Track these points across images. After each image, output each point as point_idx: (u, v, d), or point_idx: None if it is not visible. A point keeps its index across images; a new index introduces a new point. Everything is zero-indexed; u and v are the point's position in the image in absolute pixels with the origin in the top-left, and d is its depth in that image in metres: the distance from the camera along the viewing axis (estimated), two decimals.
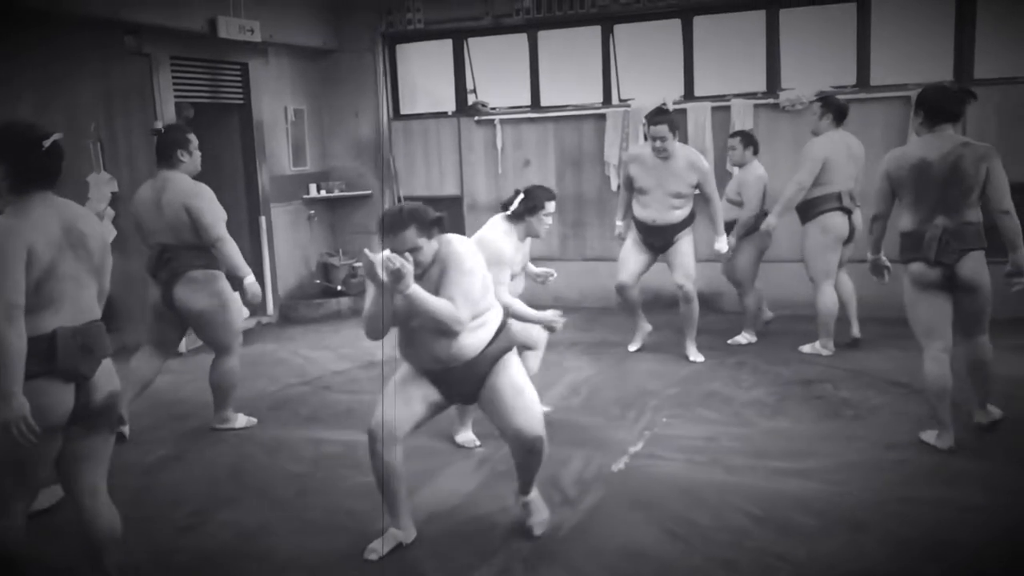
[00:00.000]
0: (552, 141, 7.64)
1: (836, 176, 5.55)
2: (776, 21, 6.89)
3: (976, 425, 4.18)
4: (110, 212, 6.47)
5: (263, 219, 7.38)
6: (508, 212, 4.26)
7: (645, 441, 4.34)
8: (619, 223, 5.93)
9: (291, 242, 7.79)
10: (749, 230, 5.88)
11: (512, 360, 3.29)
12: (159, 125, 6.43)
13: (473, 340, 3.17)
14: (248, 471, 4.18)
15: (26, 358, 2.45)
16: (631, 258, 5.76)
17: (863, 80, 6.73)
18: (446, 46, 7.93)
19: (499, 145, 7.75)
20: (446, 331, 3.09)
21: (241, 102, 7.24)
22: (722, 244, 5.63)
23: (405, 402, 3.22)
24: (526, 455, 3.26)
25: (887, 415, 4.56)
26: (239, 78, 7.18)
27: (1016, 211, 3.86)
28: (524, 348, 4.44)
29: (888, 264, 4.24)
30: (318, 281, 7.97)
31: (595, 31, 7.41)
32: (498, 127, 7.72)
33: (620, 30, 7.37)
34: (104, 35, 6.15)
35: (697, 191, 5.58)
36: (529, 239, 4.42)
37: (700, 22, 7.10)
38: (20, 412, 2.42)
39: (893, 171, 3.95)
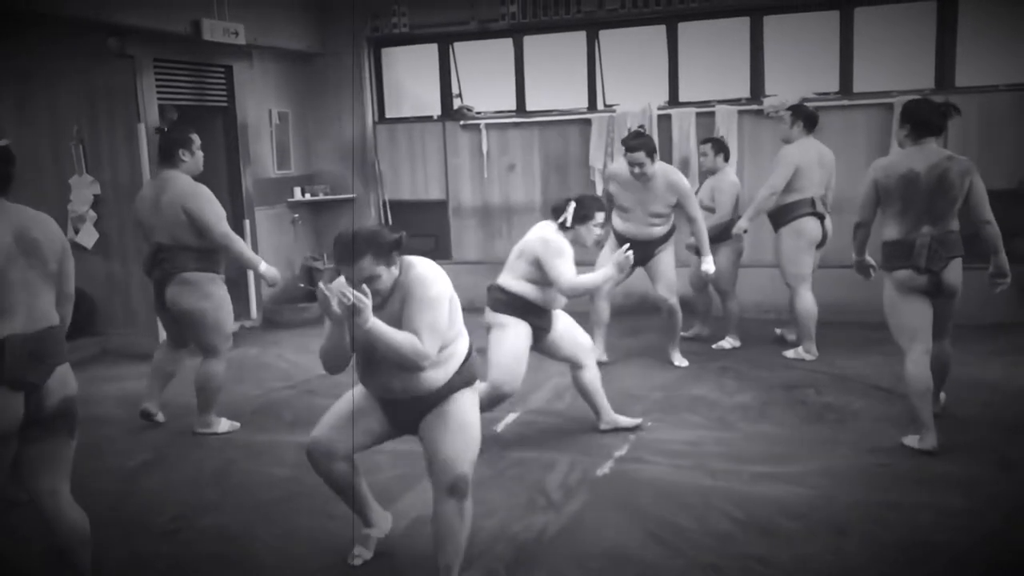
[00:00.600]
0: (537, 146, 7.65)
1: (808, 182, 5.65)
2: (760, 28, 6.94)
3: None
4: (92, 215, 6.42)
5: (247, 222, 7.34)
6: (559, 220, 4.21)
7: (630, 445, 4.35)
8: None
9: (275, 245, 7.76)
10: (723, 236, 5.92)
11: (467, 395, 3.01)
12: (160, 123, 6.44)
13: (438, 374, 2.92)
14: (231, 476, 4.16)
15: None
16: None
17: (846, 87, 6.79)
18: (431, 50, 7.93)
19: (484, 150, 7.76)
20: (409, 366, 2.86)
21: (225, 105, 7.21)
22: (708, 265, 5.50)
23: (346, 426, 3.01)
24: (447, 499, 2.88)
25: (869, 420, 4.59)
26: (223, 81, 7.15)
27: (1000, 215, 4.02)
28: (576, 367, 4.45)
29: (873, 263, 4.36)
30: (302, 285, 7.94)
31: (580, 36, 7.43)
32: (483, 131, 7.73)
33: (605, 35, 7.39)
34: (87, 37, 6.11)
35: (677, 207, 5.52)
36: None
37: (685, 28, 7.14)
38: None
39: (882, 180, 4.05)
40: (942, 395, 4.53)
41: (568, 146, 7.54)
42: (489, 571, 3.15)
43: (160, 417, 4.88)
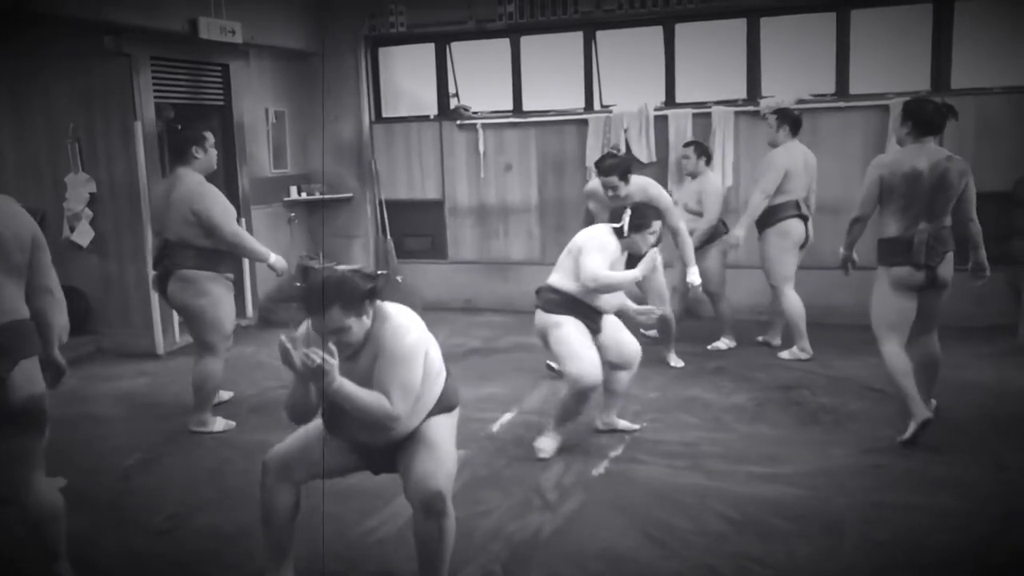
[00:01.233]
0: (534, 146, 7.65)
1: (794, 185, 5.73)
2: (757, 29, 6.94)
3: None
4: (88, 213, 6.41)
5: (243, 221, 7.32)
6: (616, 226, 4.20)
7: (625, 446, 4.35)
8: None
9: (271, 244, 7.61)
10: (710, 239, 5.93)
11: (442, 418, 2.87)
12: (157, 122, 6.43)
13: (410, 422, 2.77)
14: (226, 475, 4.16)
15: None
16: None
17: (842, 89, 6.80)
18: (428, 50, 7.93)
19: (481, 149, 7.75)
20: (379, 427, 2.70)
21: (222, 103, 7.20)
22: (694, 276, 5.32)
23: (314, 455, 2.83)
24: (424, 520, 2.73)
25: (864, 421, 4.60)
26: (220, 79, 7.14)
27: (994, 217, 4.10)
28: (617, 367, 4.38)
29: (856, 260, 4.53)
30: (298, 284, 7.90)
31: (577, 37, 7.43)
32: (480, 131, 7.73)
33: (602, 36, 7.40)
34: (83, 35, 6.09)
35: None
36: (627, 253, 4.32)
37: (682, 29, 7.14)
38: None
39: (887, 177, 4.15)
40: (932, 401, 4.52)
41: (565, 146, 7.54)
42: (485, 571, 3.16)
43: (226, 395, 5.20)
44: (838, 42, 6.75)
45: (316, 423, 2.89)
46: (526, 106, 7.70)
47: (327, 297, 2.59)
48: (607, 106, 7.41)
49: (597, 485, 3.90)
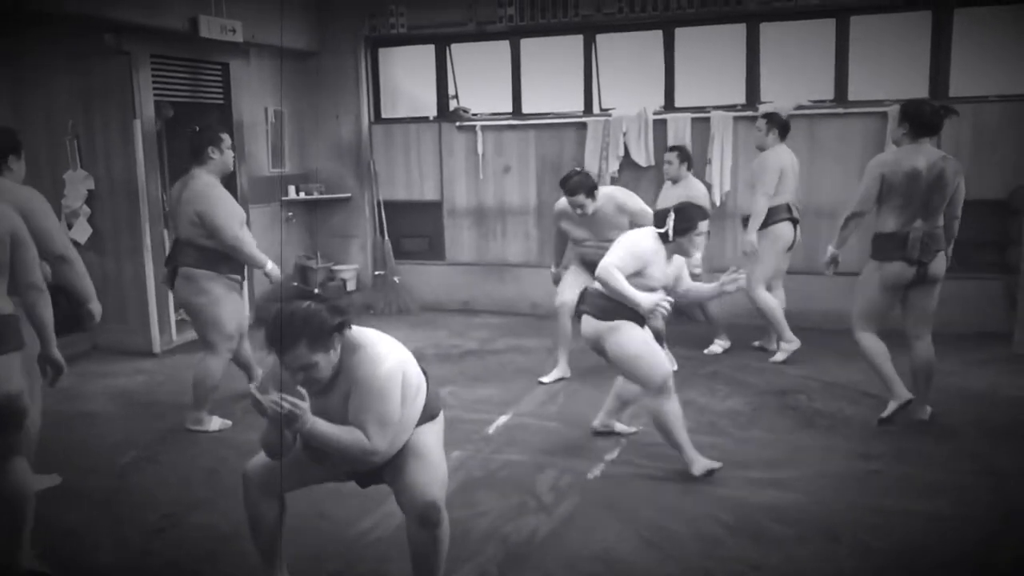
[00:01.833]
0: (533, 148, 7.66)
1: (785, 187, 5.81)
2: (756, 35, 6.96)
3: (918, 421, 4.55)
4: (86, 210, 6.40)
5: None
6: (661, 231, 3.93)
7: (621, 449, 4.36)
8: (554, 270, 5.79)
9: (268, 244, 7.73)
10: None
11: (426, 428, 2.81)
12: (156, 120, 6.43)
13: (390, 451, 2.67)
14: (222, 474, 4.15)
15: None
16: (575, 282, 5.44)
17: (841, 95, 6.82)
18: (428, 51, 7.94)
19: (480, 151, 7.76)
20: (357, 463, 2.65)
21: (221, 102, 7.19)
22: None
23: (296, 467, 2.79)
24: (419, 529, 2.70)
25: (860, 426, 4.61)
26: (220, 78, 7.14)
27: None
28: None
29: (839, 260, 4.64)
30: (295, 284, 7.93)
31: (577, 40, 7.44)
32: (479, 133, 7.73)
33: (602, 40, 7.41)
34: (83, 32, 6.08)
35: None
36: (680, 258, 4.09)
37: (682, 34, 7.16)
38: None
39: (888, 175, 4.29)
40: (928, 408, 4.60)
41: (563, 149, 7.55)
42: (481, 572, 3.16)
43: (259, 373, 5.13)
44: (837, 48, 6.77)
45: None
46: (525, 108, 7.71)
47: (293, 334, 2.47)
48: (606, 109, 7.42)
49: (592, 488, 3.90)
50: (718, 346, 6.17)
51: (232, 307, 4.72)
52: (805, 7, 6.74)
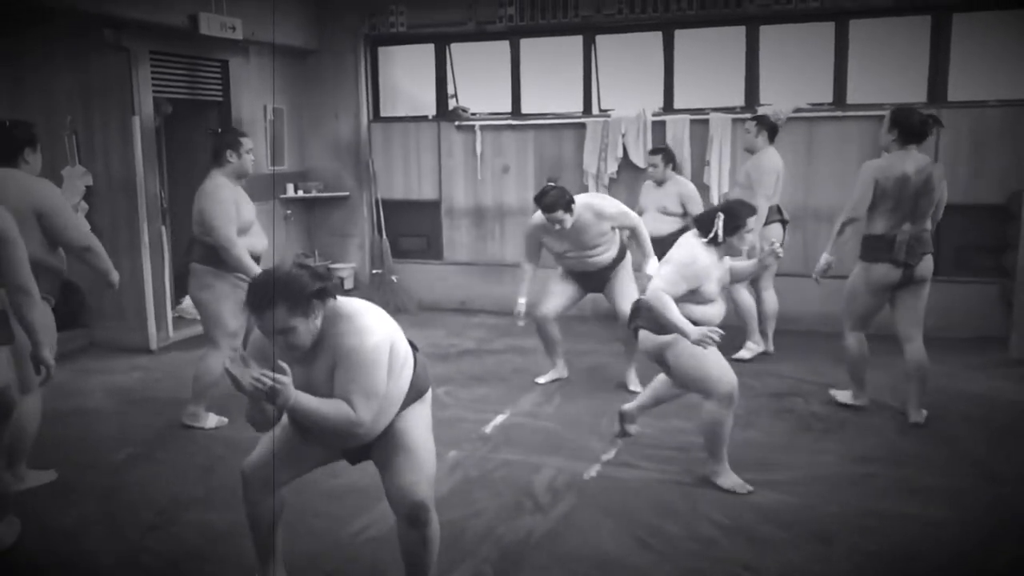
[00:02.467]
0: (532, 149, 7.66)
1: (778, 189, 5.93)
2: (756, 37, 6.97)
3: (913, 424, 4.61)
4: (84, 206, 6.39)
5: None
6: (708, 237, 3.79)
7: (617, 449, 4.36)
8: (521, 301, 5.39)
9: (267, 242, 7.72)
10: None
11: (416, 410, 2.79)
12: (155, 117, 6.42)
13: (376, 425, 2.65)
14: (218, 471, 4.15)
15: None
16: (557, 290, 5.43)
17: (839, 99, 6.82)
18: (428, 50, 7.93)
19: (479, 151, 7.76)
20: (343, 436, 2.61)
21: (220, 99, 7.20)
22: (652, 267, 5.07)
23: (289, 456, 2.80)
24: (408, 529, 2.69)
25: (855, 429, 4.62)
26: (219, 75, 7.14)
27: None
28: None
29: (832, 266, 4.69)
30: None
31: (577, 41, 7.44)
32: (478, 133, 7.73)
33: (602, 40, 7.41)
34: (83, 28, 6.08)
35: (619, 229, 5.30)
36: (728, 258, 3.98)
37: (681, 36, 7.16)
38: None
39: (881, 180, 4.42)
40: (923, 411, 4.64)
41: (562, 150, 7.55)
42: (476, 572, 3.16)
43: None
44: (836, 51, 6.77)
45: (284, 422, 2.81)
46: (525, 109, 7.71)
47: (271, 296, 2.41)
48: (605, 110, 7.43)
49: (588, 488, 3.90)
50: (748, 351, 6.06)
51: (236, 305, 4.72)
52: (805, 10, 6.74)
